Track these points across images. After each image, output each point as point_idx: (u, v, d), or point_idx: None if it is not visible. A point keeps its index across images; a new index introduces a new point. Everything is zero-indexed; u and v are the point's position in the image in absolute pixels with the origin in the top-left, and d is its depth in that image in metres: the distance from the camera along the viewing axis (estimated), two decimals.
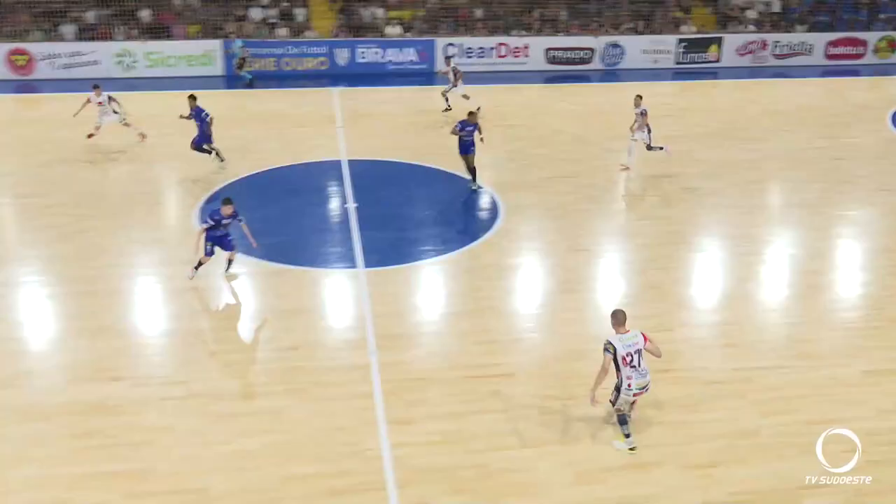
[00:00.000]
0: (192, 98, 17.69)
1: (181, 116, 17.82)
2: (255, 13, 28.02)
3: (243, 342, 11.47)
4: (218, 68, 26.40)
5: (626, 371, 8.93)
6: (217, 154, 17.77)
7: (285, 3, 28.49)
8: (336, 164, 18.25)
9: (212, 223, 12.31)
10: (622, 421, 9.27)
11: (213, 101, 23.36)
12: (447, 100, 22.06)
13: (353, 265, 13.49)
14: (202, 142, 17.60)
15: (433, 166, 18.14)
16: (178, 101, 23.55)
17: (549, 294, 12.91)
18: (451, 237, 14.77)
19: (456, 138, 16.43)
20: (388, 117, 20.38)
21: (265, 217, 15.53)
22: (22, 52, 25.59)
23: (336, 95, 24.08)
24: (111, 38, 26.42)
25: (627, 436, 9.25)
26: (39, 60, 25.66)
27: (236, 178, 17.32)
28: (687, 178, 17.66)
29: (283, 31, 27.59)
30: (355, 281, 13.01)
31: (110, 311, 11.99)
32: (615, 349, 8.87)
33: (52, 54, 25.68)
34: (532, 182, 17.33)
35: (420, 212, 16.14)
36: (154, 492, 8.59)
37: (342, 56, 27.13)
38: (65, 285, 12.74)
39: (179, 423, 9.61)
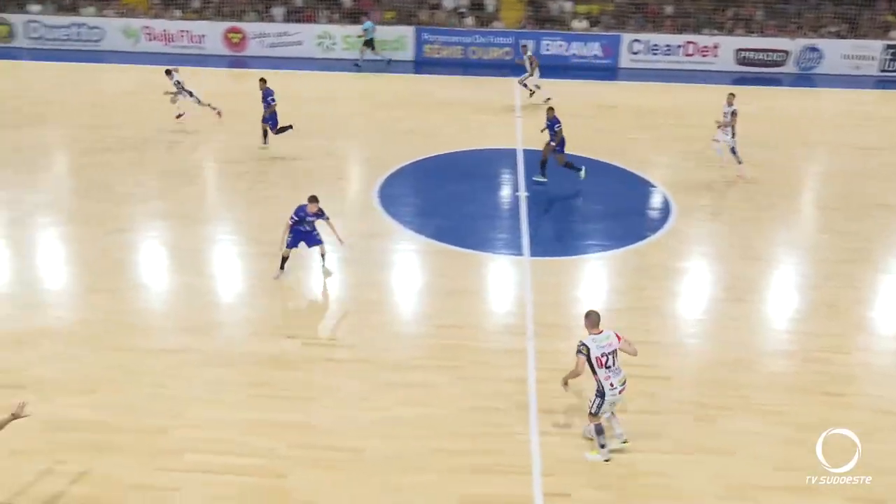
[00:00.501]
0: (263, 81, 17.94)
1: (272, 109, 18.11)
2: (448, 2, 28.50)
3: (408, 316, 11.77)
4: (409, 53, 27.13)
5: (602, 372, 8.58)
6: (265, 136, 18.03)
7: None
8: (511, 153, 18.27)
9: (296, 219, 12.00)
10: (598, 431, 8.80)
11: (402, 85, 24.17)
12: (526, 86, 22.16)
13: (518, 252, 13.49)
14: (276, 124, 17.76)
15: (606, 161, 17.76)
16: (367, 82, 24.48)
17: (716, 301, 12.31)
18: (619, 234, 14.41)
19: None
20: (566, 110, 20.08)
21: (438, 198, 15.83)
22: (237, 31, 27.50)
23: (517, 85, 24.09)
24: (314, 21, 27.82)
25: (603, 446, 8.82)
26: (251, 38, 27.47)
27: (416, 160, 17.76)
28: (882, 194, 16.22)
29: (470, 21, 27.90)
30: (519, 268, 13.00)
31: (290, 274, 12.67)
32: (589, 351, 8.53)
33: (263, 33, 27.41)
34: (707, 184, 16.56)
35: (590, 205, 15.85)
36: (314, 445, 9.02)
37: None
38: (252, 246, 13.59)
39: (343, 384, 10.02)
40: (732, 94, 16.90)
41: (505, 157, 18.02)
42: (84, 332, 10.91)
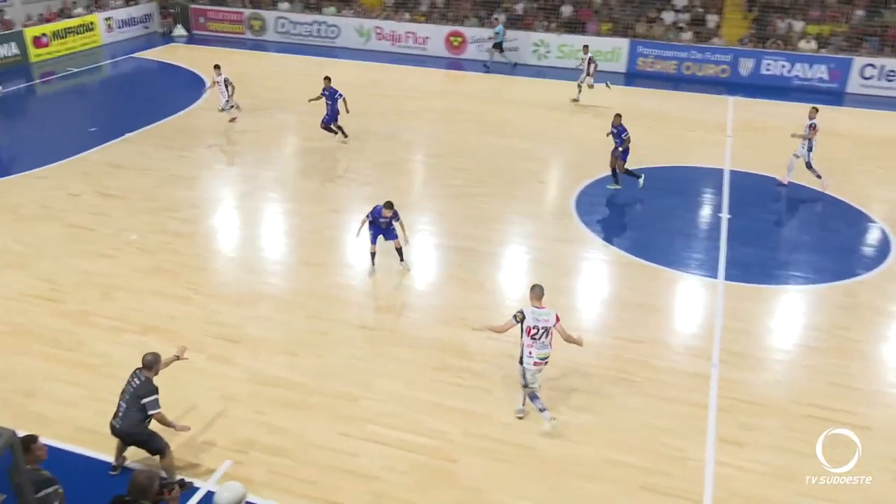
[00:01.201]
0: (327, 79, 18.23)
1: (311, 100, 18.62)
2: (667, 16, 27.57)
3: (590, 324, 11.51)
4: (622, 65, 26.58)
5: (526, 340, 8.92)
6: (341, 132, 18.30)
7: (699, 9, 27.60)
8: (717, 173, 17.36)
9: (370, 219, 12.16)
10: (533, 397, 9.09)
11: (615, 96, 23.72)
12: (580, 88, 22.30)
13: (713, 275, 12.78)
14: (330, 121, 18.16)
15: (819, 190, 16.38)
16: (574, 91, 24.25)
17: None
18: (826, 267, 13.24)
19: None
20: (781, 133, 18.78)
21: (635, 212, 15.38)
22: (458, 35, 28.26)
23: (731, 104, 22.84)
24: (531, 29, 27.97)
25: (543, 410, 9.04)
26: (471, 43, 28.12)
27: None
28: None
29: (687, 36, 26.80)
30: (712, 291, 12.32)
31: (482, 269, 12.84)
32: (523, 318, 8.86)
33: (482, 38, 27.95)
34: None
35: (796, 234, 14.71)
36: (487, 436, 9.07)
37: (745, 66, 25.58)
38: (450, 239, 13.92)
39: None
40: (815, 108, 16.31)
41: (710, 177, 17.15)
42: (293, 300, 11.69)
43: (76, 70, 25.51)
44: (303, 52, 28.51)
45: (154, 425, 7.99)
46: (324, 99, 18.40)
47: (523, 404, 9.33)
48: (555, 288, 12.29)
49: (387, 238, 12.47)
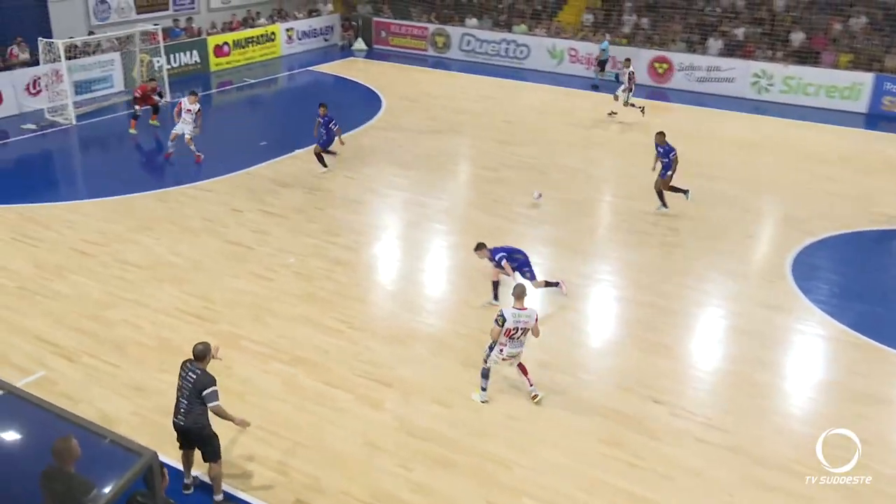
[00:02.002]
0: (323, 106, 18.33)
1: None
2: None
3: (798, 410, 10.73)
4: (862, 104, 25.06)
5: (501, 339, 10.01)
6: (321, 160, 18.45)
7: None
8: None
9: (503, 255, 12.59)
10: (484, 374, 10.40)
11: (844, 138, 22.36)
12: (633, 105, 22.97)
13: None
14: (326, 146, 18.45)
15: None
16: (798, 131, 23.09)
17: None
18: None
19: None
20: None
21: (867, 282, 14.28)
22: (664, 61, 27.85)
23: None
24: (752, 57, 27.04)
25: (484, 389, 10.40)
26: (678, 70, 27.62)
27: (848, 231, 16.28)
28: None
29: None
30: None
31: (671, 331, 12.38)
32: (504, 322, 9.87)
33: (692, 66, 27.38)
34: None
35: None
36: None
37: None
38: (635, 292, 13.56)
39: (709, 470, 9.46)
40: None
41: None
42: (452, 344, 11.82)
43: (253, 81, 27.57)
44: (488, 73, 29.21)
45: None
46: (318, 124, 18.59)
47: (484, 389, 10.46)
48: (756, 361, 11.63)
49: (525, 276, 12.73)
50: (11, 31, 23.27)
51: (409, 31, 32.45)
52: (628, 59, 24.39)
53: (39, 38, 22.11)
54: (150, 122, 22.08)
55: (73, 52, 22.85)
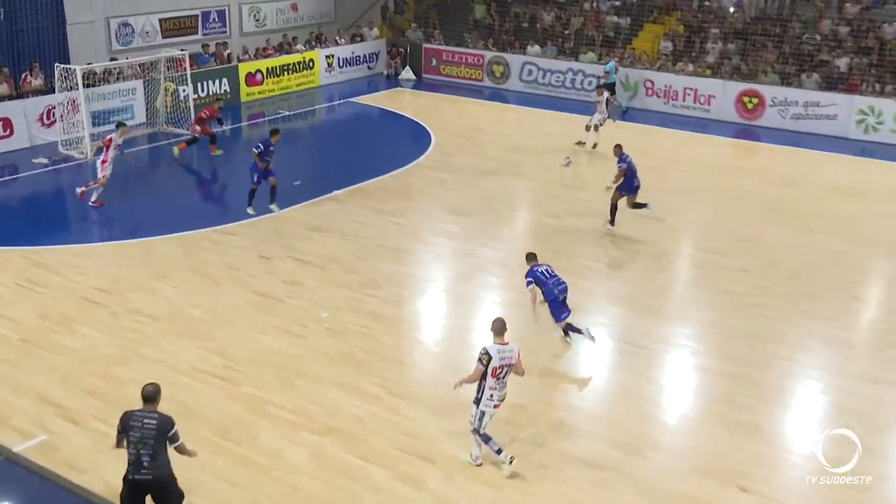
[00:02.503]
0: (275, 132, 18.55)
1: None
2: None
3: None
4: None
5: (490, 382, 10.18)
6: (251, 196, 18.50)
7: None
8: None
9: (532, 280, 13.37)
10: (486, 439, 10.45)
11: None
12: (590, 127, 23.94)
13: None
14: (261, 179, 18.46)
15: None
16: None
17: None
18: None
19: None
20: None
21: None
22: (754, 94, 27.75)
23: None
24: (857, 91, 26.80)
25: (499, 451, 10.47)
26: (770, 106, 27.49)
27: None
28: None
29: None
30: None
31: (760, 408, 12.13)
32: (490, 360, 10.07)
33: (787, 101, 27.23)
34: None
35: None
36: None
37: None
38: (719, 361, 13.35)
39: None
40: None
41: None
42: (504, 417, 11.69)
43: (288, 113, 28.15)
44: (551, 107, 29.41)
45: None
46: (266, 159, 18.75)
47: (479, 449, 10.57)
48: (863, 447, 11.30)
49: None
50: (27, 55, 24.18)
51: (462, 58, 32.92)
52: (601, 88, 25.31)
53: (56, 64, 22.87)
54: (212, 152, 22.68)
55: (91, 80, 23.62)
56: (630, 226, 18.72)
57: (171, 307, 14.50)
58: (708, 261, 17.18)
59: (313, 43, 32.48)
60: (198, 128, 22.86)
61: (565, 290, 13.38)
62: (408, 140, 25.25)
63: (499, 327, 10.34)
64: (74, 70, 22.43)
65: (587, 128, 24.38)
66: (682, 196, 20.90)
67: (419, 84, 32.84)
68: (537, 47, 32.22)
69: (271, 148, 18.32)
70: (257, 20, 32.04)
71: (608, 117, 24.74)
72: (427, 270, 16.42)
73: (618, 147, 18.30)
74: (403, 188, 20.83)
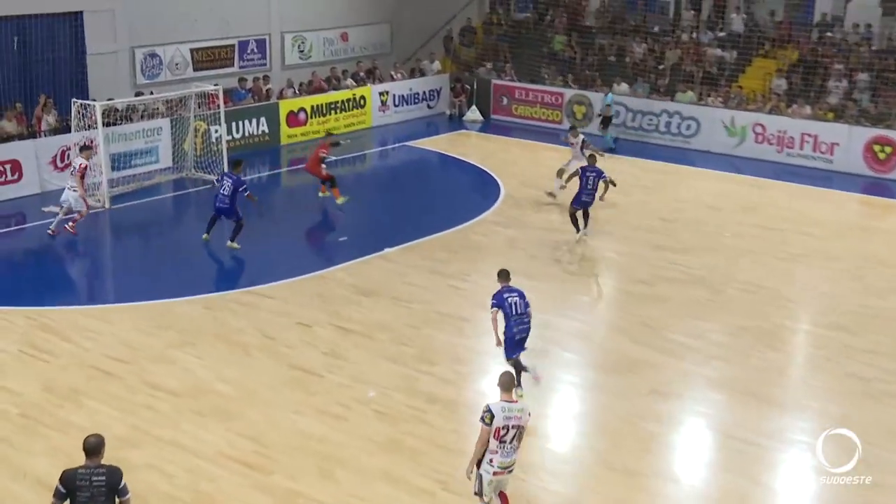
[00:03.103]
0: (238, 164, 20.85)
1: None
2: None
3: None
4: None
5: (492, 444, 10.19)
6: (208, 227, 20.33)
7: None
8: None
9: (496, 303, 14.07)
10: None
11: None
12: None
13: None
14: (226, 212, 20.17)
15: None
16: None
17: None
18: None
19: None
20: None
21: None
22: (887, 142, 27.37)
23: None
24: None
25: None
26: None
27: None
28: None
29: None
30: None
31: None
32: (492, 418, 10.09)
33: None
34: None
35: None
36: None
37: None
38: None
39: None
40: None
41: None
42: None
43: (334, 158, 28.41)
44: (641, 154, 29.35)
45: None
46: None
47: None
48: None
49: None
50: (42, 89, 24.88)
51: (538, 97, 33.14)
52: (574, 128, 26.10)
53: (73, 100, 23.38)
54: (320, 193, 23.23)
55: (112, 118, 24.13)
56: (735, 295, 18.47)
57: (193, 381, 14.60)
58: (830, 339, 16.84)
59: (365, 77, 32.93)
60: (324, 166, 23.42)
61: (526, 333, 14.12)
62: (472, 191, 25.36)
63: (506, 381, 10.49)
64: (94, 106, 22.98)
65: (559, 173, 24.46)
66: (799, 262, 20.61)
67: (487, 126, 33.07)
68: (625, 85, 32.30)
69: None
70: (301, 51, 32.71)
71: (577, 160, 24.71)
72: (492, 344, 16.28)
73: (593, 158, 21.69)
74: (466, 246, 20.86)
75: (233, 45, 30.55)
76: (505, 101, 33.70)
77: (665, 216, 23.40)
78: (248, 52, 31.04)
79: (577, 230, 21.14)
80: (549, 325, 16.95)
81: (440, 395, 14.42)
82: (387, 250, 20.33)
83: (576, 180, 21.29)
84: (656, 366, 15.50)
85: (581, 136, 25.17)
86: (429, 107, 34.21)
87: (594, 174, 20.94)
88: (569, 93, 32.56)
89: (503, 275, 14.48)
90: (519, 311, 13.99)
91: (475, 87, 34.07)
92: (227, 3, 30.14)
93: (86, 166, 20.35)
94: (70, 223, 20.28)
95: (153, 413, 13.60)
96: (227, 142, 26.41)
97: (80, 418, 13.40)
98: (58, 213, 20.65)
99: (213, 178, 24.67)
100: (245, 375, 14.84)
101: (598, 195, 21.03)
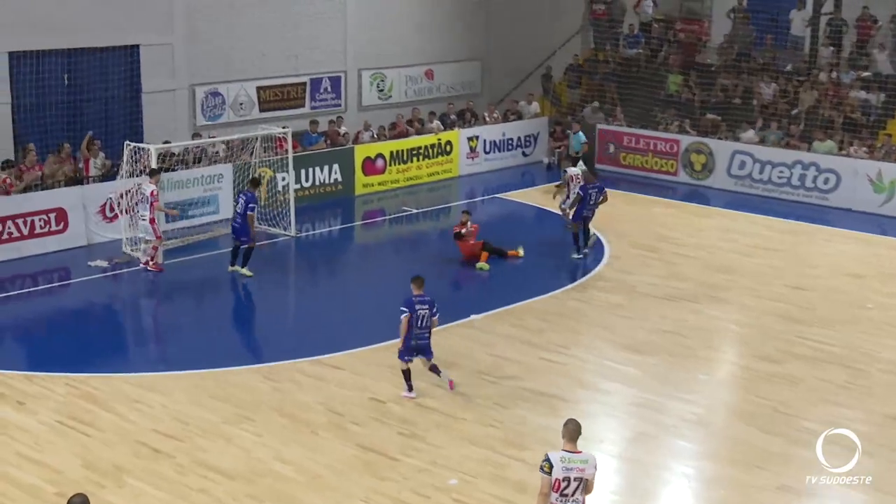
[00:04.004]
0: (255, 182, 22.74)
1: None
2: None
3: None
4: None
5: (553, 497, 10.63)
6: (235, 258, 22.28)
7: None
8: None
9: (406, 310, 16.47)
10: None
11: None
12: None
13: None
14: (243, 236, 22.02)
15: None
16: None
17: None
18: None
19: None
20: None
21: None
22: None
23: None
24: None
25: None
26: None
27: None
28: None
29: None
30: None
31: None
32: (552, 468, 10.58)
33: None
34: None
35: None
36: None
37: None
38: None
39: None
40: None
41: None
42: None
43: (415, 211, 28.71)
44: (770, 212, 29.12)
45: None
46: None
47: None
48: None
49: (427, 355, 16.75)
50: (92, 130, 25.43)
51: (650, 144, 33.11)
52: (574, 158, 27.30)
53: (126, 143, 23.89)
54: (478, 265, 23.53)
55: (168, 163, 24.70)
56: (880, 377, 18.11)
57: (251, 461, 14.72)
58: None
59: (453, 120, 33.11)
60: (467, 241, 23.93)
61: (423, 341, 16.63)
62: (572, 251, 25.29)
63: (571, 430, 10.98)
64: (148, 150, 23.44)
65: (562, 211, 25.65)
66: None
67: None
68: (752, 132, 32.11)
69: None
70: (381, 90, 33.09)
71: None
72: (592, 427, 16.21)
73: (592, 176, 24.96)
74: (564, 314, 20.83)
75: (304, 84, 31.11)
76: (611, 148, 33.74)
77: (795, 283, 23.08)
78: (321, 90, 31.52)
79: (577, 249, 24.19)
80: (660, 408, 16.82)
81: (531, 484, 14.28)
82: (473, 317, 20.41)
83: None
84: (786, 458, 15.23)
85: (575, 170, 26.17)
86: (524, 154, 34.39)
87: (595, 190, 24.33)
88: (686, 140, 32.49)
89: (417, 282, 16.75)
90: (423, 325, 16.51)
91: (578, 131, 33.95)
92: (299, 37, 30.73)
93: (157, 192, 21.14)
94: (150, 261, 21.20)
95: (205, 497, 13.72)
96: (296, 191, 26.72)
97: (122, 500, 13.60)
98: (106, 267, 21.26)
99: (279, 231, 25.03)
100: (309, 456, 14.92)
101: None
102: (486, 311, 20.60)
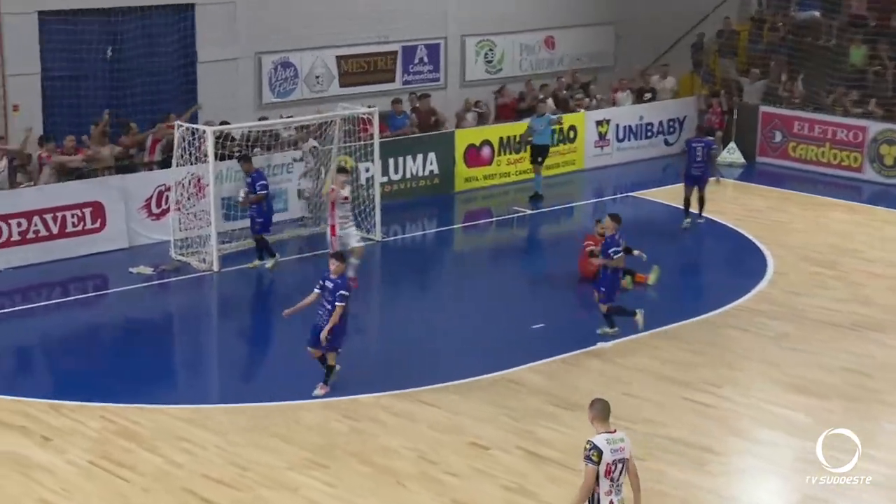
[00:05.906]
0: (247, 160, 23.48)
1: None
2: None
3: None
4: None
5: (604, 485, 11.79)
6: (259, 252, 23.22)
7: None
8: None
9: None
10: None
11: None
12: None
13: None
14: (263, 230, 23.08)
15: None
16: None
17: None
18: None
19: None
20: None
21: None
22: None
23: None
24: None
25: None
26: None
27: None
28: None
29: None
30: None
31: None
32: (601, 455, 11.67)
33: None
34: None
35: None
36: None
37: None
38: None
39: None
40: None
41: None
42: None
43: (530, 212, 28.63)
44: None
45: None
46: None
47: None
48: None
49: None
50: (138, 108, 25.97)
51: (827, 132, 32.72)
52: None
53: (177, 123, 24.00)
54: (624, 285, 22.79)
55: (228, 149, 24.50)
56: None
57: None
58: None
59: (577, 99, 32.89)
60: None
61: (321, 321, 17.79)
62: (726, 265, 25.20)
63: (600, 409, 12.08)
64: (204, 132, 23.44)
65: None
66: None
67: (750, 172, 32.90)
68: None
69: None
70: (489, 61, 32.96)
71: None
72: (749, 486, 16.14)
73: (701, 129, 26.52)
74: (715, 344, 20.75)
75: (394, 53, 31.15)
76: (778, 136, 33.42)
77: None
78: (416, 61, 31.48)
79: (687, 215, 26.14)
80: (835, 464, 16.64)
81: None
82: (601, 345, 20.38)
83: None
84: None
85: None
86: (667, 143, 34.10)
87: (701, 145, 26.49)
88: (874, 127, 32.05)
89: (339, 257, 18.34)
90: (324, 306, 17.81)
91: (734, 116, 33.65)
92: None
93: (333, 191, 22.03)
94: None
95: None
96: (382, 185, 26.65)
97: None
98: (151, 274, 21.59)
99: (362, 233, 25.04)
100: None
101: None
102: (618, 337, 20.52)
